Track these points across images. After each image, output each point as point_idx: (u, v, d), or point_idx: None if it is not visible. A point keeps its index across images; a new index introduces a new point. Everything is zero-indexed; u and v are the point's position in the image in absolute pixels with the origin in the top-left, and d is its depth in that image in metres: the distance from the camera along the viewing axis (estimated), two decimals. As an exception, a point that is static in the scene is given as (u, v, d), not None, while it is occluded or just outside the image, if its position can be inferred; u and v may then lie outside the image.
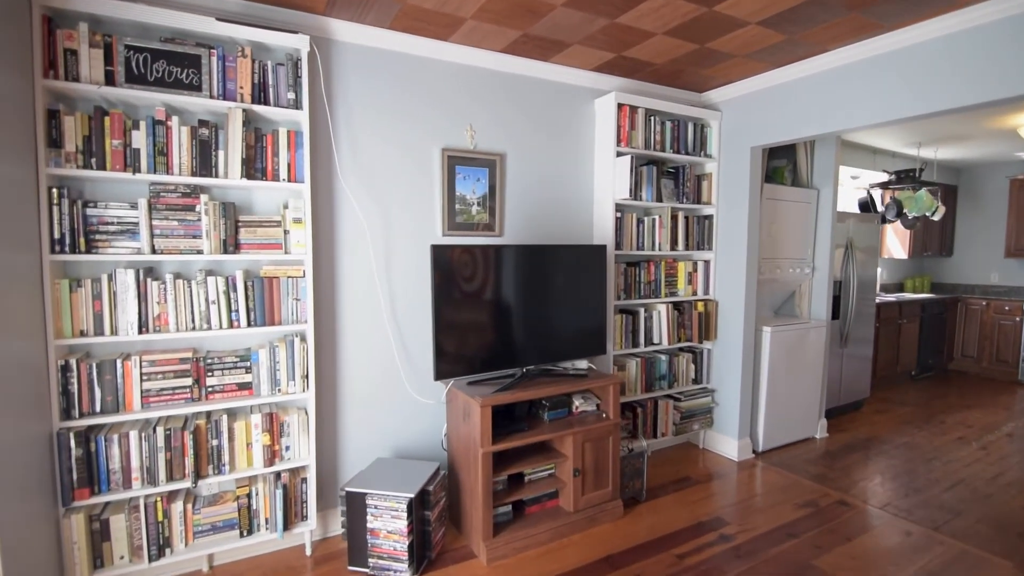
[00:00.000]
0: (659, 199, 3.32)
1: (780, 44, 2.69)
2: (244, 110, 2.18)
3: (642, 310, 3.30)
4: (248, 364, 2.25)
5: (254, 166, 2.24)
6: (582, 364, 2.89)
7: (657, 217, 3.30)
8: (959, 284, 6.68)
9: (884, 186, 5.36)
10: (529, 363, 2.65)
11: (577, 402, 2.71)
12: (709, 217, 3.55)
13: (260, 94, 2.24)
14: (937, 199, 5.28)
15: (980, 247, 6.48)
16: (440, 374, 2.39)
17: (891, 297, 5.48)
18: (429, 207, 2.76)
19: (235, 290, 2.20)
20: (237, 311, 2.21)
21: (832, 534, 2.59)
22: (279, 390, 2.29)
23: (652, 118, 3.24)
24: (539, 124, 3.06)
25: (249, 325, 2.23)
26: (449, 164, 2.77)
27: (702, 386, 3.62)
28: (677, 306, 3.44)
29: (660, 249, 3.33)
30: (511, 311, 2.57)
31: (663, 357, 3.41)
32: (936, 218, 5.32)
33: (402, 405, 2.73)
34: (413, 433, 2.77)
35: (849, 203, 5.74)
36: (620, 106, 3.11)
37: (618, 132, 3.11)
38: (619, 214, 3.15)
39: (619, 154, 3.13)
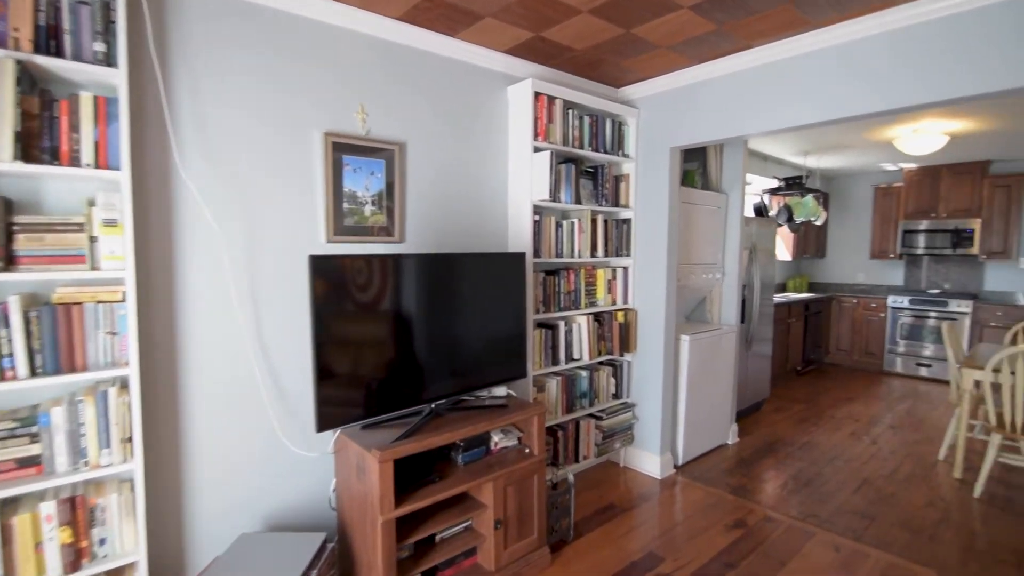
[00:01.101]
0: (578, 201, 3.02)
1: (706, 36, 2.50)
2: (20, 62, 1.49)
3: (562, 323, 2.99)
4: (34, 431, 1.56)
5: (38, 144, 1.56)
6: (500, 392, 2.50)
7: (576, 220, 3.00)
8: (831, 283, 7.28)
9: (774, 192, 5.61)
10: (438, 397, 2.20)
11: (496, 438, 2.31)
12: (628, 221, 3.33)
13: (49, 41, 1.56)
14: (821, 205, 5.61)
15: (849, 249, 7.10)
16: (324, 423, 1.86)
17: (782, 298, 5.76)
18: (308, 206, 2.20)
19: (6, 324, 1.51)
20: (12, 355, 1.52)
21: (767, 559, 2.44)
22: (86, 463, 1.62)
23: (570, 111, 2.93)
24: (446, 111, 2.61)
25: (34, 374, 1.55)
26: (335, 153, 2.23)
27: (622, 401, 3.40)
28: (597, 317, 3.18)
29: (580, 256, 3.03)
30: (415, 337, 2.10)
31: (584, 373, 3.13)
32: (819, 223, 5.66)
33: (275, 460, 2.15)
34: (290, 495, 2.19)
35: (747, 208, 5.93)
36: (537, 95, 2.75)
37: (535, 124, 2.76)
38: (537, 217, 2.80)
39: (537, 149, 2.78)
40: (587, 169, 3.15)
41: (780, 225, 5.52)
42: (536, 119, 2.76)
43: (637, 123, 3.29)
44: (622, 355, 3.33)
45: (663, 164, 3.18)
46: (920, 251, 6.16)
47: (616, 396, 3.36)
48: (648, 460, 3.35)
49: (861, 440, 4.00)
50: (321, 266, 1.83)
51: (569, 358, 3.04)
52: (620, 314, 3.26)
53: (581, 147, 3.01)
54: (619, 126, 3.24)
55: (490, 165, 2.80)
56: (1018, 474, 3.36)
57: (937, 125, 4.22)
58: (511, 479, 2.20)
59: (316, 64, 2.19)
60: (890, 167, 6.33)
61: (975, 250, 5.78)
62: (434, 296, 2.16)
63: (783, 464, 3.53)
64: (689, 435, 3.49)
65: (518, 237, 2.81)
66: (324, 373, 1.85)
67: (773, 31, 2.43)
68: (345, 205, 2.28)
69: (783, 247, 6.55)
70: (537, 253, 2.81)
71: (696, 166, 3.91)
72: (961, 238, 5.86)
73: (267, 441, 2.12)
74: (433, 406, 2.19)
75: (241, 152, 2.02)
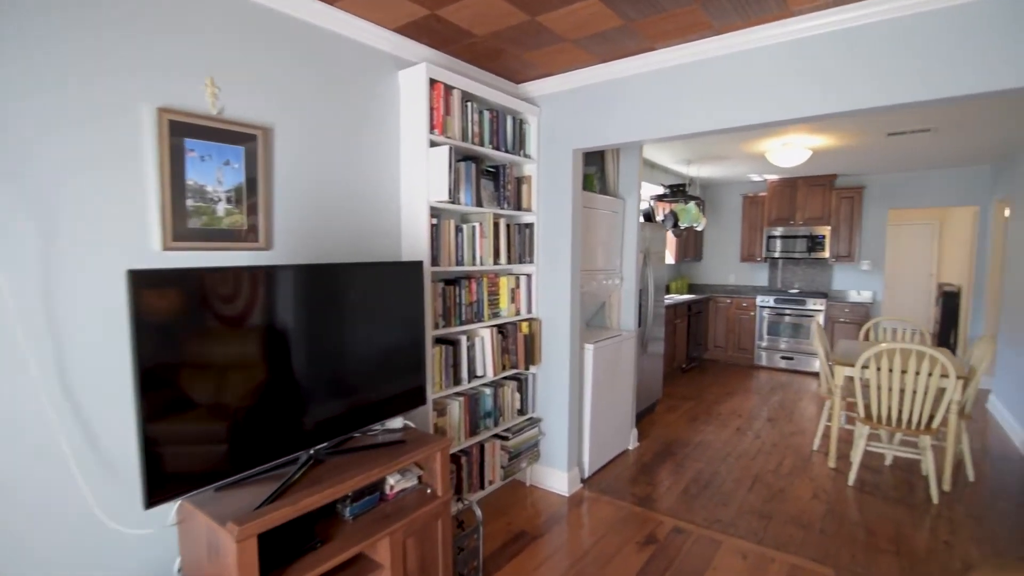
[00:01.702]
0: (479, 203, 2.75)
1: (613, 32, 2.36)
2: None
3: (464, 338, 2.70)
4: None
5: None
6: (396, 423, 2.15)
7: (478, 224, 2.73)
8: (708, 284, 7.80)
9: (660, 198, 5.81)
10: (319, 440, 1.80)
11: (392, 480, 1.96)
12: (530, 225, 3.14)
13: None
14: (702, 212, 5.92)
15: (722, 253, 7.65)
16: (156, 493, 1.38)
17: (670, 299, 5.99)
18: (137, 205, 1.68)
19: None
20: None
21: (681, 577, 2.36)
22: None
23: (470, 104, 2.65)
24: (325, 93, 2.20)
25: None
26: (173, 136, 1.73)
27: (528, 417, 3.20)
28: (501, 329, 2.94)
29: (482, 263, 2.77)
30: (285, 371, 1.69)
31: (488, 391, 2.87)
32: (700, 229, 5.98)
33: (88, 546, 1.60)
34: (115, 584, 1.66)
35: (634, 212, 6.10)
36: (433, 83, 2.44)
37: (431, 116, 2.44)
38: (435, 220, 2.49)
39: (433, 144, 2.47)
40: (488, 169, 2.90)
41: (667, 230, 5.73)
42: (432, 110, 2.45)
43: (539, 122, 3.11)
44: (527, 368, 3.13)
45: (566, 166, 3.02)
46: (784, 255, 6.78)
47: (522, 412, 3.14)
48: (555, 477, 3.18)
49: (746, 435, 4.21)
50: (146, 283, 1.36)
51: (472, 376, 2.76)
52: (525, 325, 3.05)
53: (481, 144, 2.75)
54: (520, 124, 3.03)
55: (380, 160, 2.43)
56: (878, 458, 3.71)
57: (803, 140, 4.60)
58: (411, 528, 1.87)
59: (150, 23, 1.68)
60: (756, 178, 6.91)
61: (826, 254, 6.49)
62: (310, 317, 1.75)
63: (682, 467, 3.56)
64: (595, 446, 3.39)
65: (413, 243, 2.48)
66: (153, 427, 1.37)
67: (679, 32, 2.36)
68: (189, 202, 1.78)
69: (667, 251, 6.86)
70: (435, 261, 2.50)
71: (595, 170, 3.84)
72: (815, 243, 6.55)
73: (78, 522, 1.57)
74: (312, 452, 1.78)
75: (26, 129, 1.46)
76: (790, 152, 4.72)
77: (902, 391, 3.16)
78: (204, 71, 1.83)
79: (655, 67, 2.63)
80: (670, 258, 6.86)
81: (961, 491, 3.22)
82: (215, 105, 1.86)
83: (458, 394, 2.72)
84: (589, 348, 3.28)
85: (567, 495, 3.13)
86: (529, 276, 3.16)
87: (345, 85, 2.27)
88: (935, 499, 3.07)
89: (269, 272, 1.64)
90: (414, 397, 2.15)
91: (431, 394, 2.46)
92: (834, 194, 6.46)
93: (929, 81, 1.98)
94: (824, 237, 6.47)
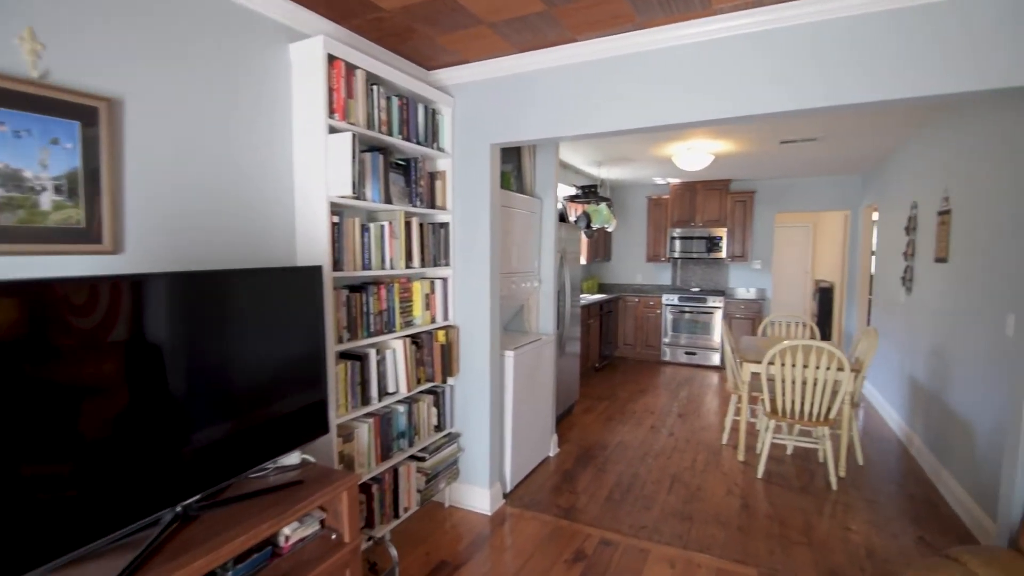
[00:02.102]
0: (388, 200, 2.46)
1: (534, 18, 2.19)
2: None
3: (373, 352, 2.40)
4: None
5: None
6: (292, 459, 1.81)
7: (387, 224, 2.44)
8: (616, 284, 7.99)
9: (572, 199, 5.81)
10: (191, 492, 1.44)
11: (288, 531, 1.63)
12: (445, 225, 2.89)
13: None
14: (613, 213, 6.00)
15: (629, 253, 7.87)
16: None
17: (584, 300, 6.01)
18: (-94, 191, 1.23)
19: None
20: None
21: (613, 596, 2.25)
22: None
23: (376, 88, 2.36)
24: (197, 62, 1.80)
25: None
26: (-34, 101, 1.29)
27: (446, 433, 2.95)
28: (415, 339, 2.67)
29: (392, 267, 2.48)
30: (145, 409, 1.32)
31: (402, 409, 2.59)
32: (611, 230, 6.06)
33: None
34: None
35: (547, 213, 6.06)
36: (332, 60, 2.12)
37: (331, 97, 2.12)
38: (337, 218, 2.17)
39: (333, 130, 2.15)
40: (398, 162, 2.62)
41: (581, 231, 5.73)
42: (331, 91, 2.13)
43: (453, 113, 2.88)
44: (444, 380, 2.88)
45: (483, 162, 2.82)
46: (684, 255, 7.10)
47: (439, 428, 2.89)
48: (477, 495, 2.96)
49: (660, 433, 4.27)
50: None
51: (383, 393, 2.47)
52: (441, 333, 2.81)
53: (389, 133, 2.46)
54: (433, 115, 2.78)
55: (269, 146, 2.07)
56: (780, 449, 3.91)
57: (706, 145, 4.78)
58: (313, 587, 1.56)
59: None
60: (660, 181, 7.17)
61: (723, 254, 6.88)
62: (175, 342, 1.39)
63: (604, 471, 3.51)
64: (517, 458, 3.22)
65: (311, 244, 2.14)
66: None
67: (601, 24, 2.24)
68: (-4, 191, 1.35)
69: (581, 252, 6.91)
70: (338, 265, 2.18)
71: (511, 169, 3.68)
72: (713, 244, 6.92)
73: None
74: (180, 508, 1.42)
75: None
76: (694, 156, 4.89)
77: (804, 384, 3.33)
78: (19, 19, 1.39)
79: (576, 60, 2.50)
80: (582, 259, 6.91)
81: (854, 475, 3.46)
82: (36, 66, 1.43)
83: (368, 415, 2.42)
84: (509, 355, 3.10)
85: (489, 514, 2.92)
86: (445, 280, 2.91)
87: (223, 55, 1.89)
88: (834, 485, 3.26)
89: (116, 281, 1.26)
90: (314, 426, 1.83)
91: (335, 419, 2.14)
92: (729, 198, 6.87)
93: (834, 86, 2.02)
94: (721, 238, 6.85)
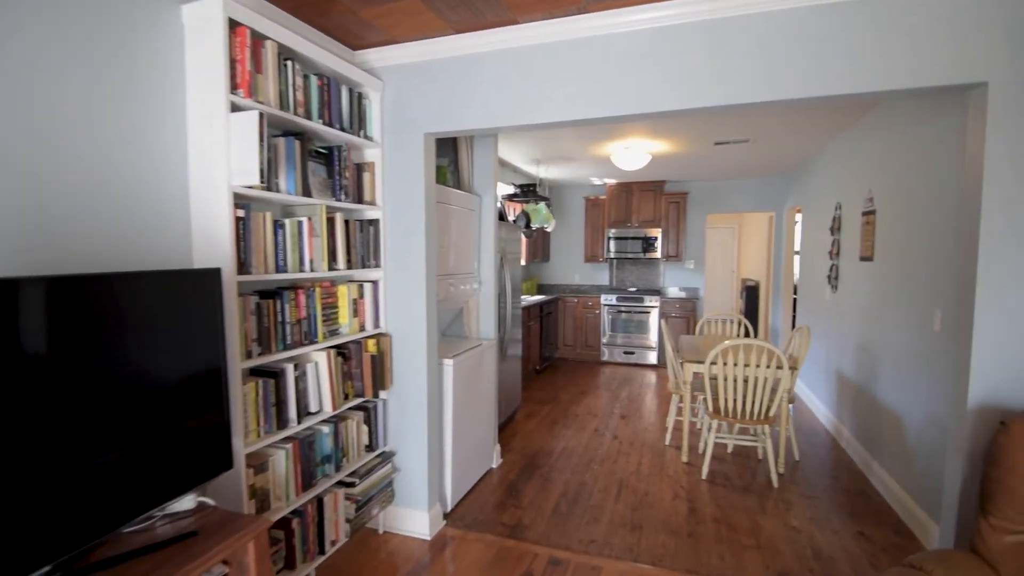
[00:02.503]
0: (307, 192, 2.16)
1: (471, -9, 1.98)
2: None
3: (291, 367, 2.09)
4: None
5: None
6: (185, 503, 1.49)
7: (306, 219, 2.14)
8: (555, 285, 7.93)
9: (511, 198, 5.64)
10: (39, 562, 1.10)
11: (177, 596, 1.32)
12: (375, 222, 2.62)
13: None
14: (552, 212, 5.89)
15: (567, 253, 7.83)
16: None
17: (525, 301, 5.85)
18: None
19: None
20: None
21: (565, 624, 2.07)
22: None
23: (290, 64, 2.05)
24: (53, 24, 1.44)
25: None
26: None
27: (379, 452, 2.67)
28: (342, 350, 2.37)
29: (313, 268, 2.18)
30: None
31: (326, 429, 2.29)
32: (550, 230, 5.95)
33: None
34: None
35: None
36: (235, 26, 1.80)
37: (233, 70, 1.80)
38: (243, 212, 1.85)
39: (237, 108, 1.83)
40: (318, 150, 2.32)
41: (524, 231, 5.58)
42: (234, 62, 1.81)
43: (383, 99, 2.61)
44: (376, 394, 2.60)
45: (416, 154, 2.57)
46: (621, 255, 7.13)
47: (371, 448, 2.61)
48: (414, 519, 2.70)
49: (604, 437, 4.18)
50: None
51: (304, 413, 2.16)
52: (371, 343, 2.52)
53: (308, 117, 2.16)
54: (359, 99, 2.50)
55: (156, 126, 1.72)
56: (721, 447, 3.92)
57: (644, 144, 4.76)
58: (209, 665, 1.26)
59: None
60: (597, 181, 7.17)
61: (658, 254, 6.97)
62: (26, 360, 1.06)
63: (549, 481, 3.35)
64: (458, 473, 2.98)
65: (210, 244, 1.80)
66: None
67: (545, 5, 2.07)
68: None
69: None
70: (245, 267, 1.86)
71: (447, 163, 3.44)
72: (649, 244, 6.99)
73: None
74: (48, 569, 1.08)
75: None
76: (632, 155, 4.86)
77: (746, 383, 3.33)
78: None
79: (518, 44, 2.31)
80: (521, 259, 6.76)
81: (792, 471, 3.51)
82: None
83: (286, 440, 2.10)
84: (448, 364, 2.86)
85: (429, 538, 2.67)
86: (375, 283, 2.63)
87: (96, 13, 1.53)
88: (775, 483, 3.28)
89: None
90: (213, 460, 1.52)
91: (242, 448, 1.82)
92: (663, 199, 6.97)
93: (808, 79, 1.96)
94: (656, 239, 6.94)
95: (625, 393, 5.55)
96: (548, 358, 6.78)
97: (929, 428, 2.64)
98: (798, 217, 6.33)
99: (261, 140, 1.81)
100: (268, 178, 1.95)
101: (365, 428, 2.57)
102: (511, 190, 5.76)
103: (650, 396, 5.44)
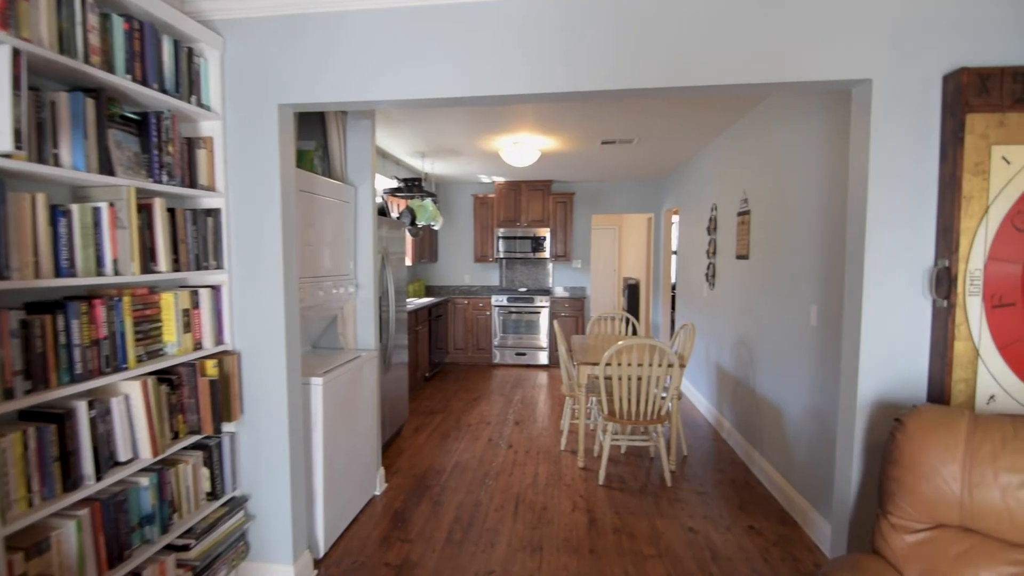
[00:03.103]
0: (107, 169, 1.62)
1: (331, -76, 1.60)
2: None
3: (83, 404, 1.54)
4: None
5: None
6: None
7: (106, 205, 1.59)
8: (444, 286, 7.58)
9: (394, 193, 5.20)
10: None
11: None
12: (215, 212, 2.10)
13: None
14: (439, 209, 5.55)
15: (456, 253, 7.52)
16: None
17: (411, 304, 5.43)
18: None
19: None
20: None
21: None
22: None
23: (72, -10, 1.50)
24: None
25: None
26: None
27: (225, 500, 2.15)
28: (168, 376, 1.84)
29: (119, 271, 1.64)
30: None
31: (146, 481, 1.75)
32: (437, 228, 5.60)
33: None
34: None
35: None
36: (-38, -84, 1.24)
37: (-39, -19, 1.24)
38: (-13, 191, 1.29)
39: (-29, 38, 1.27)
40: (127, 115, 1.77)
41: (404, 228, 5.16)
42: (-33, -28, 1.25)
43: (223, 59, 2.10)
44: (218, 429, 2.08)
45: (269, 129, 2.10)
46: (511, 255, 6.99)
47: (214, 496, 2.08)
48: (276, 574, 2.22)
49: (499, 447, 3.94)
50: None
51: (109, 464, 1.61)
52: (211, 364, 2.01)
53: (109, 69, 1.62)
54: (190, 55, 1.97)
55: None
56: (614, 449, 3.86)
57: (533, 140, 4.61)
58: None
59: None
60: (485, 179, 6.95)
61: (547, 254, 6.93)
62: None
63: (441, 504, 3.02)
64: (331, 510, 2.54)
65: (-69, 235, 1.23)
66: None
67: (424, -48, 1.75)
68: None
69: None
70: (1, 272, 1.30)
71: (314, 146, 2.96)
72: (538, 244, 6.93)
73: None
74: None
75: None
76: (522, 151, 4.69)
77: (640, 382, 3.27)
78: None
79: (395, 3, 1.96)
80: (407, 260, 6.32)
81: (682, 466, 3.54)
82: None
83: (81, 503, 1.54)
84: (317, 383, 2.42)
85: (295, 596, 2.21)
86: (216, 289, 2.11)
87: None
88: (668, 481, 3.26)
89: None
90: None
91: (-7, 532, 1.26)
92: (551, 198, 6.94)
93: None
94: (545, 238, 6.90)
95: (518, 396, 5.38)
96: (438, 364, 6.42)
97: (808, 419, 2.74)
98: (675, 218, 6.65)
99: (16, 89, 1.27)
100: (39, 146, 1.40)
101: (205, 472, 2.05)
102: (395, 184, 5.31)
103: (543, 398, 5.33)
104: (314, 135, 3.01)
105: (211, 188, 2.09)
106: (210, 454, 2.07)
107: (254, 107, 2.10)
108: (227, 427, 2.16)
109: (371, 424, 3.04)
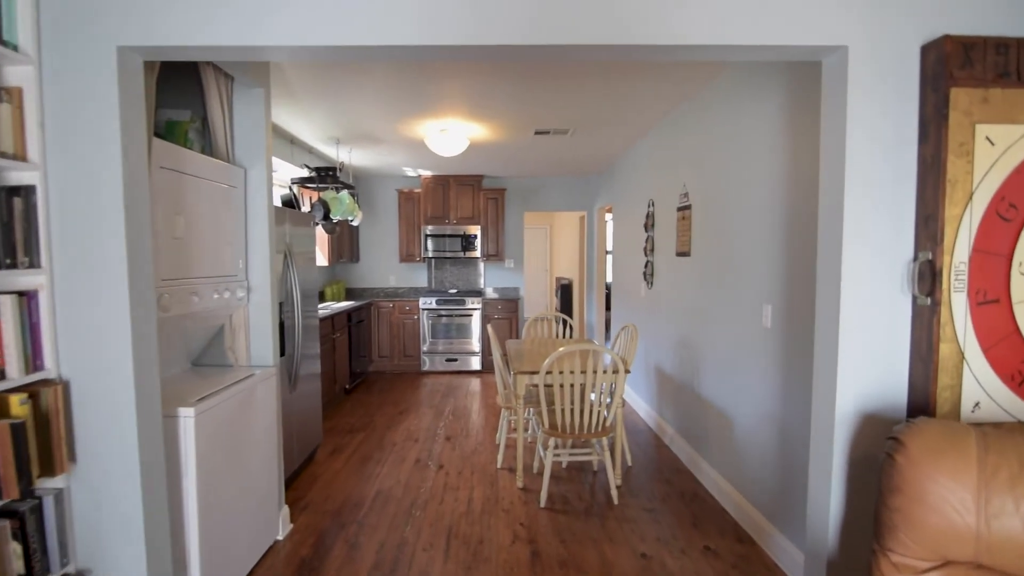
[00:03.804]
0: None
1: None
2: None
3: None
4: None
5: None
6: None
7: None
8: (368, 288, 6.99)
9: (305, 183, 4.61)
10: None
11: None
12: (27, 191, 1.53)
13: None
14: (357, 203, 5.01)
15: (380, 253, 6.96)
16: None
17: (325, 310, 4.85)
18: None
19: None
20: None
21: None
22: None
23: None
24: None
25: None
26: None
27: (50, 581, 1.58)
28: (-64, 423, 1.27)
29: None
30: None
31: None
32: (356, 223, 5.07)
33: None
34: None
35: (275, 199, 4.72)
36: None
37: None
38: None
39: None
40: None
41: (316, 224, 4.58)
42: None
43: (33, -18, 1.54)
44: (30, 488, 1.52)
45: (107, 79, 1.57)
46: (439, 254, 6.54)
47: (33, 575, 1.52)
48: (127, 673, 1.68)
49: (428, 469, 3.51)
50: None
51: None
52: (16, 401, 1.45)
53: None
54: (-25, -31, 1.40)
55: None
56: (556, 464, 3.55)
57: (461, 127, 4.21)
58: None
59: None
60: (411, 172, 6.46)
61: (478, 253, 6.55)
62: None
63: (358, 547, 2.55)
64: (212, 573, 2.01)
65: None
66: None
67: None
68: None
69: (318, 250, 5.68)
70: None
71: (190, 117, 2.40)
72: (468, 243, 6.53)
73: None
74: None
75: None
76: (449, 140, 4.28)
77: (583, 391, 2.97)
78: None
79: (275, -82, 1.50)
80: (322, 259, 5.71)
81: (628, 479, 3.28)
82: None
83: None
84: (187, 415, 1.89)
85: None
86: (30, 296, 1.55)
87: None
88: (615, 499, 2.98)
89: None
90: None
91: None
92: (482, 195, 6.57)
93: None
94: (476, 236, 6.51)
95: (450, 407, 4.96)
96: (361, 374, 5.85)
97: (763, 428, 2.54)
98: (609, 216, 6.50)
99: None
100: None
101: (16, 548, 1.48)
102: (305, 173, 4.71)
103: (477, 407, 4.94)
104: (192, 103, 2.44)
105: (19, 157, 1.52)
106: (22, 523, 1.50)
107: (83, 49, 1.55)
108: (50, 483, 1.59)
109: (269, 456, 2.52)
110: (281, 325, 3.08)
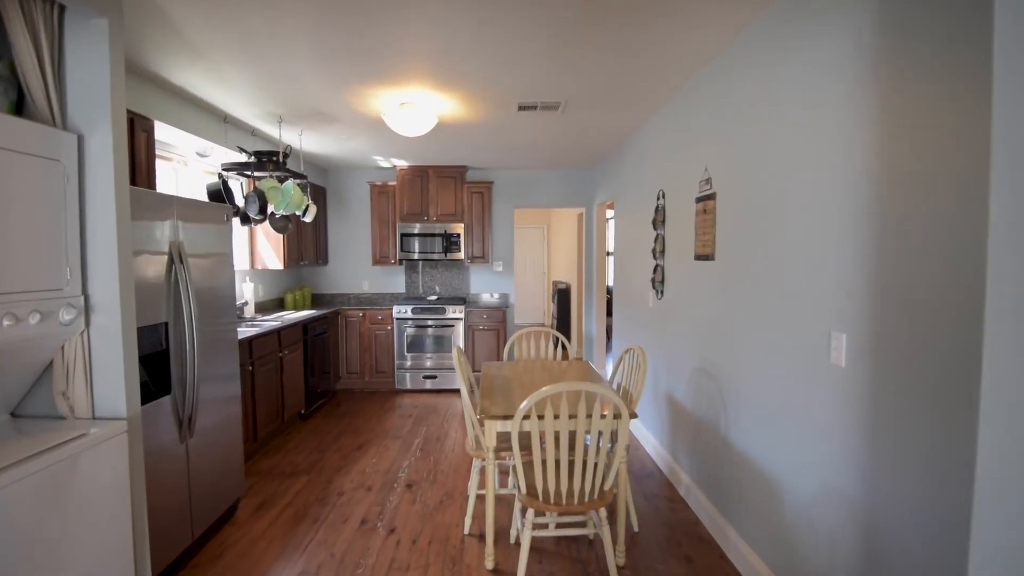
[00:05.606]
0: None
1: None
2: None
3: None
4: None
5: None
6: None
7: None
8: (337, 294, 6.21)
9: (242, 171, 3.82)
10: None
11: None
12: None
13: None
14: (307, 195, 4.22)
15: (352, 255, 6.18)
16: None
17: (267, 325, 4.05)
18: None
19: None
20: None
21: None
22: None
23: None
24: None
25: None
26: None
27: None
28: None
29: None
30: None
31: None
32: (307, 219, 4.28)
33: None
34: None
35: (197, 188, 3.94)
36: None
37: None
38: None
39: None
40: None
41: (257, 220, 3.80)
42: None
43: None
44: None
45: None
46: (416, 256, 5.76)
47: None
48: None
49: (377, 532, 2.72)
50: None
51: None
52: None
53: None
54: None
55: None
56: (539, 529, 2.75)
57: (426, 99, 3.41)
58: None
59: None
60: (384, 163, 5.68)
61: (461, 255, 5.76)
62: None
63: None
64: None
65: None
66: None
67: None
68: None
69: (271, 252, 4.89)
70: None
71: (-19, 54, 1.61)
72: (450, 243, 5.74)
73: None
74: None
75: None
76: (412, 116, 3.48)
77: (572, 448, 2.17)
78: None
79: None
80: (277, 262, 4.91)
81: (633, 552, 2.49)
82: None
83: None
84: None
85: None
86: None
87: None
88: (616, 591, 2.18)
89: None
90: None
91: None
92: (466, 189, 5.79)
93: None
94: (459, 236, 5.73)
95: (420, 439, 4.16)
96: (324, 394, 5.06)
97: (829, 506, 1.74)
98: (610, 213, 5.70)
99: None
100: None
101: None
102: (243, 159, 3.91)
103: (453, 439, 4.14)
104: (-12, 37, 1.65)
105: None
106: None
107: None
108: None
109: (118, 552, 1.72)
110: (165, 352, 2.29)
